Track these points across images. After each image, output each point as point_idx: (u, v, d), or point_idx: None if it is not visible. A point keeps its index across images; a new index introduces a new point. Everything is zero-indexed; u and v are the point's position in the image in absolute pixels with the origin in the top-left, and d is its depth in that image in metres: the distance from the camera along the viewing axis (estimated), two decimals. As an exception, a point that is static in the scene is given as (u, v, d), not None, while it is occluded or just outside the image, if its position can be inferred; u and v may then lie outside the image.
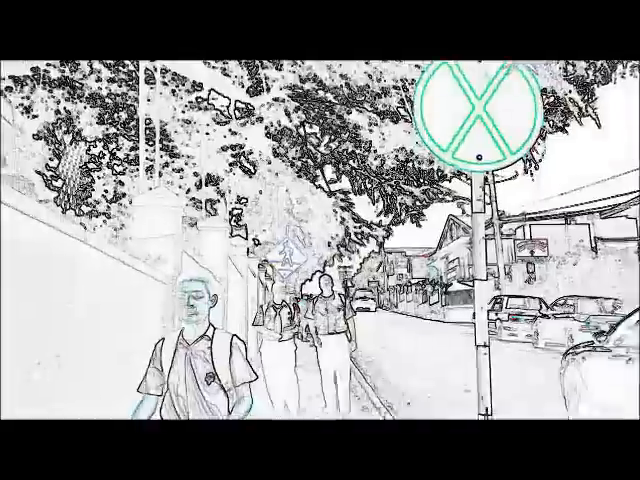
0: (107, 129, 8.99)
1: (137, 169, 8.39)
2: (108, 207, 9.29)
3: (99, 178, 9.20)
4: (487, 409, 3.81)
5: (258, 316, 8.11)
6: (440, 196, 12.27)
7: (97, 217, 9.13)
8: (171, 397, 3.28)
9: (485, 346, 3.87)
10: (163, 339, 3.42)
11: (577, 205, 29.33)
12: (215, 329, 3.41)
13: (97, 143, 8.94)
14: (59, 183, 8.68)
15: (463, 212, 15.78)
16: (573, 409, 8.03)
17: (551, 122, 9.96)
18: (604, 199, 27.87)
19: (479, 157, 4.02)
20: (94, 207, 9.16)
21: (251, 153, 9.62)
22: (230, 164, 9.81)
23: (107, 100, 8.72)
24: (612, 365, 7.39)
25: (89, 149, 8.96)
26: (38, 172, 9.10)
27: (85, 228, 4.43)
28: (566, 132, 10.14)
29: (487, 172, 4.31)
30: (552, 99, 9.36)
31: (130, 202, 9.11)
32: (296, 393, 7.85)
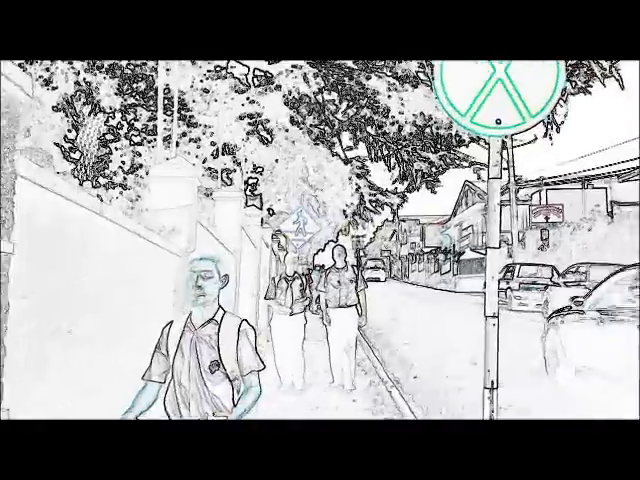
0: (125, 100, 8.98)
1: (154, 139, 8.39)
2: (125, 178, 9.33)
3: (116, 149, 9.22)
4: (493, 382, 3.80)
5: (270, 289, 7.95)
6: (457, 162, 12.18)
7: (114, 189, 9.17)
8: (174, 386, 3.08)
9: (494, 317, 3.84)
10: (171, 322, 3.18)
11: (595, 169, 29.00)
12: (225, 312, 3.16)
13: (115, 114, 8.94)
14: (77, 155, 8.71)
15: (479, 177, 15.64)
16: (552, 372, 8.14)
17: (573, 83, 9.81)
18: (623, 162, 27.52)
19: (498, 121, 3.98)
20: (111, 179, 9.20)
21: (268, 122, 9.58)
22: (247, 133, 9.78)
23: (126, 70, 8.69)
24: (585, 328, 7.51)
25: (107, 120, 8.96)
26: (56, 144, 9.13)
27: (102, 200, 4.46)
28: (589, 93, 9.98)
29: (505, 136, 4.27)
30: (575, 60, 9.20)
31: (147, 173, 9.14)
32: (302, 368, 7.75)
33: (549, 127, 10.56)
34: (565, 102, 10.17)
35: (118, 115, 8.87)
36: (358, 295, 7.89)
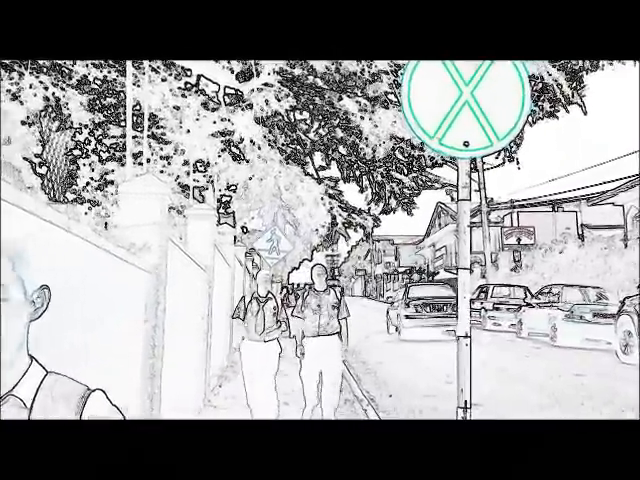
0: (95, 115, 8.91)
1: (124, 156, 8.33)
2: (94, 194, 9.23)
3: (84, 165, 9.13)
4: (466, 402, 3.81)
5: (239, 307, 7.03)
6: (429, 184, 12.30)
7: (82, 204, 9.06)
8: None
9: (467, 337, 3.86)
10: None
11: (565, 192, 29.51)
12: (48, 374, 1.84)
13: (83, 129, 8.86)
14: (43, 170, 8.60)
15: (452, 199, 15.77)
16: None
17: (540, 107, 9.99)
18: (591, 186, 28.04)
19: (466, 143, 4.02)
20: (79, 194, 9.10)
21: (241, 141, 9.58)
22: (221, 150, 9.76)
23: (94, 85, 8.63)
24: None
25: (74, 135, 8.88)
26: (25, 159, 9.02)
27: (70, 217, 4.39)
28: (556, 117, 10.16)
29: (474, 159, 4.32)
30: (540, 86, 9.38)
31: (116, 190, 9.07)
32: (274, 402, 6.78)
33: (513, 151, 10.74)
34: (532, 126, 10.36)
35: (86, 130, 8.79)
36: (340, 323, 6.90)
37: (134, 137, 8.30)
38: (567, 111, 9.40)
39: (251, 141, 9.46)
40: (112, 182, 9.61)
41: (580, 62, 8.72)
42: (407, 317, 16.32)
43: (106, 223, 9.12)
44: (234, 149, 9.71)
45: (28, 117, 8.79)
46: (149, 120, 8.47)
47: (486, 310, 19.87)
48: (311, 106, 9.46)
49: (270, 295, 7.04)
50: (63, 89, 8.41)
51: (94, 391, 1.88)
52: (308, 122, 10.40)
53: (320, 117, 9.95)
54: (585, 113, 9.38)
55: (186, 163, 9.84)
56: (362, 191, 12.19)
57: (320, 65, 8.44)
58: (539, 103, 9.88)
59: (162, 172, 9.90)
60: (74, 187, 9.13)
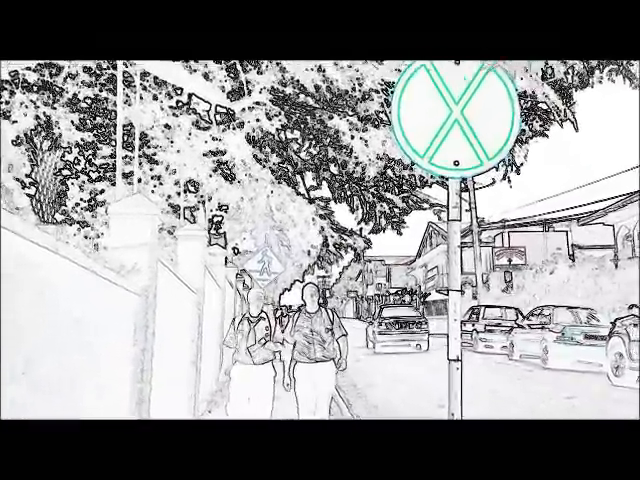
0: (85, 133, 8.88)
1: (114, 176, 8.31)
2: (83, 215, 9.18)
3: (73, 185, 9.09)
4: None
5: (230, 334, 6.54)
6: (419, 204, 12.32)
7: (71, 225, 9.00)
8: None
9: (458, 360, 3.81)
10: None
11: (555, 212, 29.64)
12: None
13: (72, 149, 8.83)
14: (32, 190, 8.56)
15: (439, 219, 15.89)
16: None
17: (530, 126, 10.05)
18: (580, 205, 28.21)
19: (456, 163, 4.01)
20: (68, 215, 9.05)
21: (232, 160, 9.58)
22: (213, 170, 9.75)
23: (83, 104, 8.62)
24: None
25: (64, 155, 8.85)
26: (16, 179, 8.98)
27: (59, 238, 4.35)
28: (546, 137, 10.22)
29: (465, 178, 4.31)
30: (530, 104, 9.44)
31: (106, 211, 9.03)
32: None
33: (508, 170, 10.78)
34: (522, 145, 10.41)
35: (75, 150, 8.76)
36: (338, 342, 6.47)
37: (125, 157, 8.27)
38: (561, 127, 9.44)
39: (242, 161, 9.46)
40: (102, 202, 9.57)
41: (569, 79, 8.78)
42: (380, 333, 19.43)
43: (96, 244, 9.07)
44: (225, 168, 9.70)
45: (18, 137, 8.76)
46: (140, 139, 8.46)
47: (478, 332, 19.79)
48: (302, 125, 9.49)
49: (263, 314, 6.55)
50: (54, 108, 8.40)
51: None
52: (299, 141, 10.43)
53: (311, 136, 9.97)
54: (577, 129, 9.43)
55: (177, 183, 9.82)
56: (353, 211, 12.20)
57: (311, 84, 8.47)
58: (529, 122, 9.94)
59: (153, 192, 9.86)
60: (63, 208, 9.08)
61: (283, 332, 6.55)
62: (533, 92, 8.66)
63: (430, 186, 11.32)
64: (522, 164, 10.53)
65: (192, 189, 10.09)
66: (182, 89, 8.87)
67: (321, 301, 6.65)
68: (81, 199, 9.14)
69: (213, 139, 9.30)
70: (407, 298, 38.95)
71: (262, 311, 6.55)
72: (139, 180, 9.00)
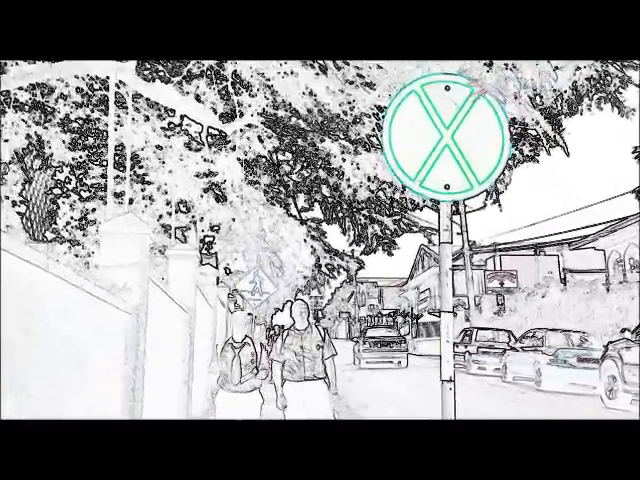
0: (77, 154, 8.91)
1: (105, 195, 8.31)
2: (74, 234, 9.17)
3: (63, 204, 9.09)
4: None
5: (213, 361, 6.35)
6: (409, 226, 12.38)
7: (62, 244, 8.98)
8: None
9: (450, 381, 3.81)
10: None
11: (546, 236, 29.78)
12: None
13: (64, 168, 8.85)
14: (22, 209, 8.56)
15: (430, 242, 15.99)
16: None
17: (520, 151, 10.13)
18: (572, 230, 28.37)
19: (447, 186, 4.04)
20: (58, 233, 9.04)
21: (224, 181, 9.61)
22: (204, 190, 9.78)
23: (75, 124, 8.65)
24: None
25: (55, 174, 8.86)
26: (7, 197, 8.98)
27: (49, 256, 4.34)
28: (537, 161, 10.31)
29: (455, 202, 4.34)
30: (519, 130, 9.54)
31: (97, 229, 9.01)
32: None
33: (495, 194, 10.84)
34: (511, 170, 10.48)
35: (67, 169, 8.77)
36: (325, 364, 6.30)
37: (116, 177, 8.28)
38: (548, 153, 9.53)
39: (233, 182, 9.49)
40: (93, 221, 9.56)
41: (559, 106, 8.88)
42: (364, 351, 22.08)
43: (87, 262, 9.04)
44: (217, 190, 9.73)
45: (12, 157, 8.78)
46: (131, 160, 8.48)
47: (470, 354, 19.79)
48: (294, 147, 9.55)
49: (247, 340, 6.33)
50: (45, 128, 8.42)
51: None
52: (291, 163, 10.49)
53: (303, 158, 10.03)
54: (568, 154, 9.52)
55: (168, 203, 9.83)
56: (345, 232, 12.23)
57: (303, 107, 8.54)
58: (519, 147, 10.03)
59: (144, 212, 9.86)
60: (54, 226, 9.07)
61: (269, 355, 6.36)
62: (523, 118, 8.76)
63: (421, 209, 11.38)
64: (502, 192, 10.62)
65: (184, 209, 10.11)
66: (174, 110, 8.91)
67: (311, 319, 6.51)
68: (72, 218, 9.14)
69: (205, 160, 9.34)
70: (400, 319, 38.90)
71: (246, 336, 6.37)
72: (130, 201, 9.00)
